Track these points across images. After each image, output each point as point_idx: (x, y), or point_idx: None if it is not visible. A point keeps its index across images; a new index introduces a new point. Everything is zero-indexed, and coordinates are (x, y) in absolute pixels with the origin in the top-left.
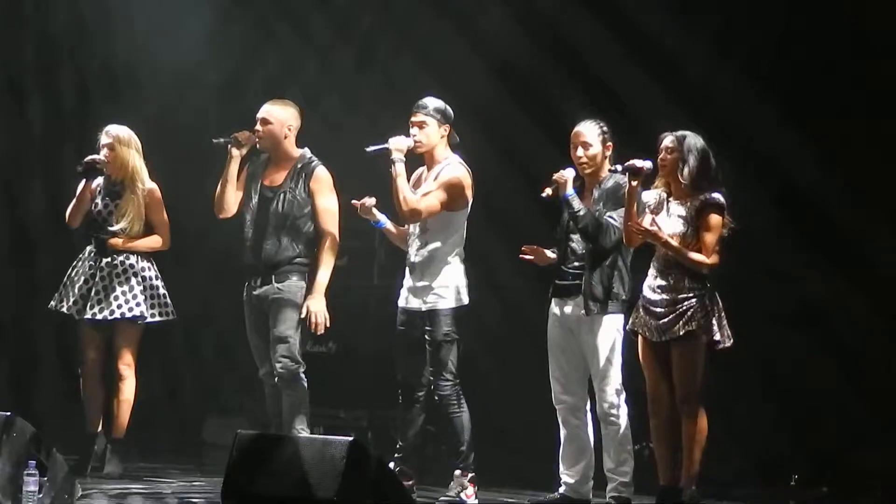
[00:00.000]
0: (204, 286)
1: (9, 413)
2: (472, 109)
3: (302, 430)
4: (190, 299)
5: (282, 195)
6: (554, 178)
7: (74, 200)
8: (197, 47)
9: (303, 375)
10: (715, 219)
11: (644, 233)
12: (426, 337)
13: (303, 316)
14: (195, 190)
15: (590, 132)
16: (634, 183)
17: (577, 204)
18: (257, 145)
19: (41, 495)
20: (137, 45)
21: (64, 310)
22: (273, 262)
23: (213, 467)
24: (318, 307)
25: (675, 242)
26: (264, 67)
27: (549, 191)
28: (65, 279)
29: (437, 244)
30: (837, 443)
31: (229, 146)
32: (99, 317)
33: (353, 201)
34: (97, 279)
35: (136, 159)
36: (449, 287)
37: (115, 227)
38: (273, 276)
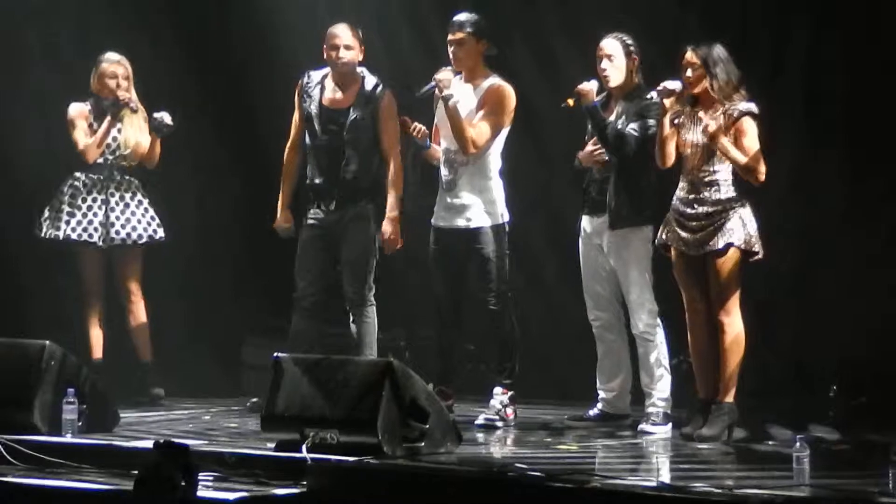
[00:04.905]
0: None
1: (47, 342)
2: (504, 22)
3: (370, 355)
4: (229, 218)
5: (352, 119)
6: (576, 89)
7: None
8: None
9: (373, 300)
10: (750, 125)
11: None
12: (477, 254)
13: (379, 240)
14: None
15: (613, 45)
16: (667, 104)
17: (598, 115)
18: (343, 69)
19: (80, 423)
20: None
21: (74, 236)
22: (348, 186)
23: (253, 390)
24: (392, 229)
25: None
26: None
27: (569, 101)
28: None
29: (480, 162)
30: (877, 353)
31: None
32: (129, 240)
33: (406, 118)
34: (111, 205)
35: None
36: (495, 203)
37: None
38: (347, 201)
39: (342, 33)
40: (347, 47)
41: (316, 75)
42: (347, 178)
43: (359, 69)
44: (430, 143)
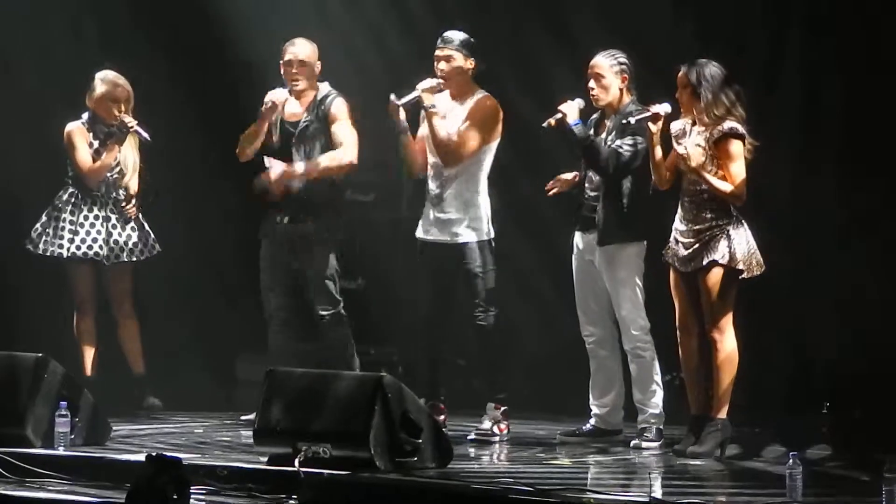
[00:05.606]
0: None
1: (40, 354)
2: (497, 41)
3: (355, 367)
4: (224, 236)
5: (302, 129)
6: (559, 108)
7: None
8: None
9: (343, 312)
10: (735, 147)
11: (678, 157)
12: (463, 270)
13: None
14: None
15: (603, 64)
16: (654, 129)
17: (580, 133)
18: (295, 86)
19: (73, 436)
20: None
21: (80, 254)
22: (301, 198)
23: (246, 404)
24: (277, 174)
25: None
26: None
27: (551, 121)
28: (63, 223)
29: (467, 176)
30: (870, 369)
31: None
32: (132, 256)
33: (392, 96)
34: (112, 222)
35: None
36: (482, 219)
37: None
38: (302, 214)
39: (294, 49)
40: (301, 63)
41: (283, 90)
42: (300, 190)
43: (320, 83)
44: (406, 126)
